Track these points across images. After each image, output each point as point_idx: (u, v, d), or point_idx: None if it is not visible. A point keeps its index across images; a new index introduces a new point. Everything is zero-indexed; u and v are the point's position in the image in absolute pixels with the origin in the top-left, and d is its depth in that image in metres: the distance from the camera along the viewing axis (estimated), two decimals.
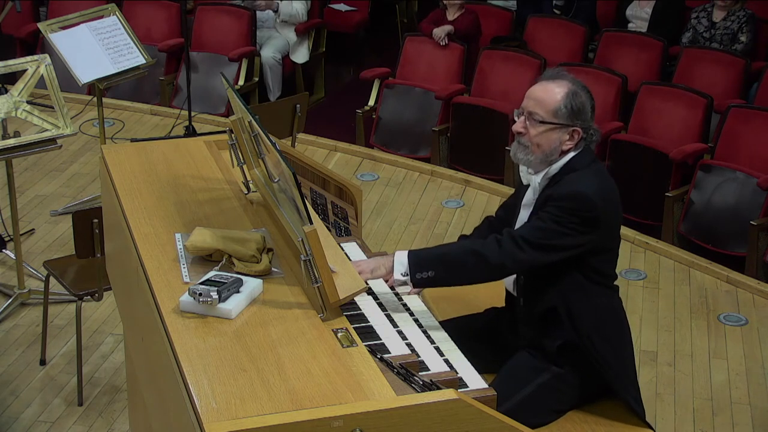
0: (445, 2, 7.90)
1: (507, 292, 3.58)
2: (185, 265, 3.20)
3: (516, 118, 3.39)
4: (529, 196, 3.44)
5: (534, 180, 3.40)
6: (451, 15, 7.92)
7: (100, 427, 4.65)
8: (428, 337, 3.19)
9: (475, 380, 3.05)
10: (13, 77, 5.75)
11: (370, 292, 3.35)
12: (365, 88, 7.99)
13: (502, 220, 3.63)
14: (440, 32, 7.79)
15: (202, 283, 2.99)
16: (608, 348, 3.36)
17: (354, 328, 3.00)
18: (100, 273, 4.56)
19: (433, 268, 3.29)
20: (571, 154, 3.35)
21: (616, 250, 3.45)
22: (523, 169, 3.44)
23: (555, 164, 3.36)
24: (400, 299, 3.38)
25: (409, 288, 3.36)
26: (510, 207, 3.61)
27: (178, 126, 7.61)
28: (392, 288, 3.41)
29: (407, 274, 3.29)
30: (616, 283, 3.49)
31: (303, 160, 3.99)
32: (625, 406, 3.42)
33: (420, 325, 3.25)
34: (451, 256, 3.33)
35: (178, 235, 3.35)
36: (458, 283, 3.44)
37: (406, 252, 3.31)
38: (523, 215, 3.46)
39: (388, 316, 3.24)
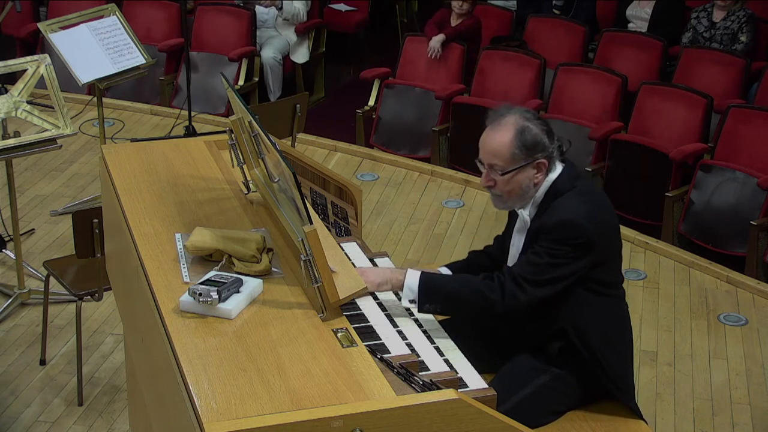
0: (455, 11, 7.88)
1: None
2: (185, 265, 3.20)
3: (480, 168, 3.38)
4: (520, 224, 3.44)
5: (522, 212, 3.41)
6: (455, 19, 7.91)
7: (100, 427, 4.65)
8: (428, 337, 3.19)
9: (475, 380, 3.05)
10: (13, 77, 5.76)
11: (369, 291, 3.35)
12: (365, 88, 7.99)
13: (506, 237, 3.62)
14: (435, 44, 7.77)
15: (202, 283, 2.99)
16: (611, 355, 3.36)
17: (354, 328, 3.00)
18: (100, 273, 4.56)
19: (440, 302, 3.30)
20: (552, 177, 3.34)
21: (617, 258, 3.44)
22: None
23: (537, 193, 3.35)
24: (400, 299, 3.37)
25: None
26: (506, 225, 3.61)
27: (178, 126, 7.61)
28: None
29: (415, 302, 3.29)
30: (622, 286, 3.48)
31: (303, 160, 3.99)
32: (624, 406, 3.42)
33: (420, 325, 3.25)
34: (460, 295, 3.32)
35: (178, 235, 3.35)
36: (463, 316, 3.47)
37: (417, 277, 3.30)
38: (516, 241, 3.46)
39: (388, 316, 3.23)
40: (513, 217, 3.52)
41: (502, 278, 3.29)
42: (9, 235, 5.92)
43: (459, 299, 3.32)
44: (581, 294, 3.32)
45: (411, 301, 3.30)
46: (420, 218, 6.73)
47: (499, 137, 3.31)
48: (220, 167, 3.85)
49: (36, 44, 8.49)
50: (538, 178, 3.32)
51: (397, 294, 3.38)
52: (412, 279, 3.30)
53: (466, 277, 3.45)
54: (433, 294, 3.29)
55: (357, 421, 2.57)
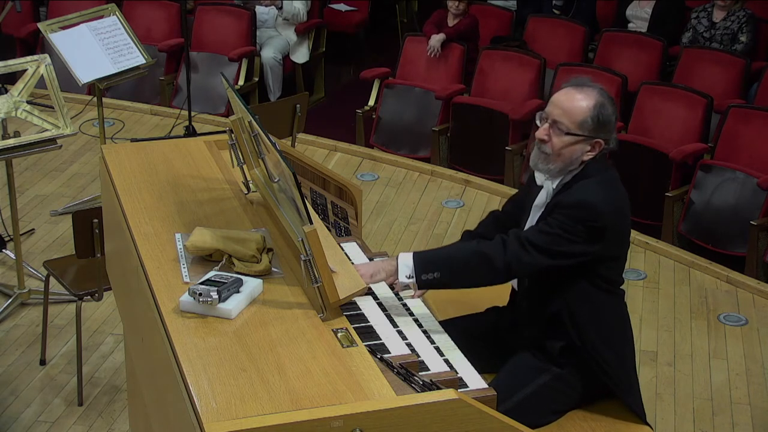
0: (451, 11, 7.89)
1: (512, 290, 3.58)
2: (185, 265, 3.20)
3: (538, 123, 3.34)
4: (542, 198, 3.41)
5: (548, 184, 3.38)
6: (452, 19, 7.91)
7: (100, 427, 4.65)
8: (428, 337, 3.19)
9: (475, 380, 3.05)
10: (13, 77, 5.76)
11: (370, 292, 3.35)
12: (365, 88, 7.99)
13: (510, 214, 3.60)
14: (435, 43, 7.77)
15: (202, 283, 2.99)
16: (611, 353, 3.36)
17: (354, 328, 3.00)
18: (100, 273, 4.56)
19: (438, 269, 3.27)
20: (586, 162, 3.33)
21: (623, 257, 3.44)
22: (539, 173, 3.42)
23: (572, 172, 3.34)
24: (401, 299, 3.38)
25: (412, 291, 3.35)
26: (519, 202, 3.58)
27: (178, 126, 7.62)
28: (392, 288, 3.40)
29: (412, 276, 3.27)
30: (622, 287, 3.48)
31: (303, 160, 3.99)
32: (625, 405, 3.42)
33: (420, 325, 3.25)
34: (457, 257, 3.30)
35: (178, 235, 3.35)
36: (464, 285, 3.43)
37: (410, 254, 3.29)
38: (534, 216, 3.43)
39: (388, 316, 3.24)
40: (530, 194, 3.50)
41: (505, 238, 3.26)
42: (9, 235, 5.92)
43: (456, 261, 3.29)
44: (583, 285, 3.32)
45: (408, 277, 3.27)
46: (420, 218, 6.73)
47: (579, 98, 3.28)
48: (220, 167, 3.85)
49: (36, 44, 8.49)
50: (588, 156, 3.30)
51: (397, 295, 3.39)
52: (406, 256, 3.29)
53: (462, 243, 3.44)
54: (429, 263, 3.27)
55: (357, 421, 2.57)
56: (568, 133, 3.27)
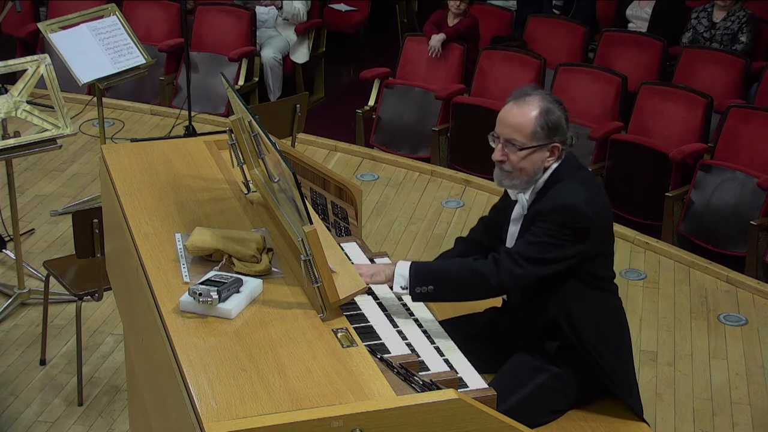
0: (452, 11, 7.89)
1: (503, 300, 3.60)
2: (185, 265, 3.20)
3: (492, 143, 3.38)
4: (518, 211, 3.44)
5: (521, 198, 3.41)
6: (452, 19, 7.91)
7: (100, 427, 4.65)
8: (428, 337, 3.19)
9: (475, 380, 3.05)
10: (13, 77, 5.76)
11: (370, 292, 3.35)
12: (365, 88, 7.99)
13: (495, 222, 3.63)
14: (436, 43, 7.78)
15: (202, 283, 2.99)
16: (608, 351, 3.37)
17: (354, 328, 3.00)
18: (100, 273, 4.56)
19: (432, 283, 3.30)
20: (554, 165, 3.35)
21: (610, 253, 3.45)
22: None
23: (540, 179, 3.36)
24: (400, 299, 3.38)
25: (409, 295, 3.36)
26: (501, 211, 3.61)
27: (178, 126, 7.62)
28: (392, 288, 3.41)
29: (407, 288, 3.30)
30: (614, 282, 3.49)
31: (303, 160, 3.99)
32: (624, 405, 3.42)
33: (420, 325, 3.25)
34: (452, 274, 3.33)
35: (178, 235, 3.35)
36: (457, 300, 3.46)
37: (407, 264, 3.31)
38: (513, 230, 3.46)
39: (388, 316, 3.24)
40: (508, 206, 3.52)
41: (497, 256, 3.30)
42: (9, 235, 5.92)
43: (451, 277, 3.32)
44: (574, 285, 3.33)
45: (403, 288, 3.30)
46: (420, 218, 6.73)
47: (524, 112, 3.30)
48: (220, 167, 3.85)
49: (36, 44, 8.49)
50: (549, 162, 3.33)
51: (397, 294, 3.39)
52: (403, 266, 3.31)
53: (458, 259, 3.47)
54: (424, 277, 3.29)
55: (357, 421, 2.57)
56: (522, 149, 3.29)
